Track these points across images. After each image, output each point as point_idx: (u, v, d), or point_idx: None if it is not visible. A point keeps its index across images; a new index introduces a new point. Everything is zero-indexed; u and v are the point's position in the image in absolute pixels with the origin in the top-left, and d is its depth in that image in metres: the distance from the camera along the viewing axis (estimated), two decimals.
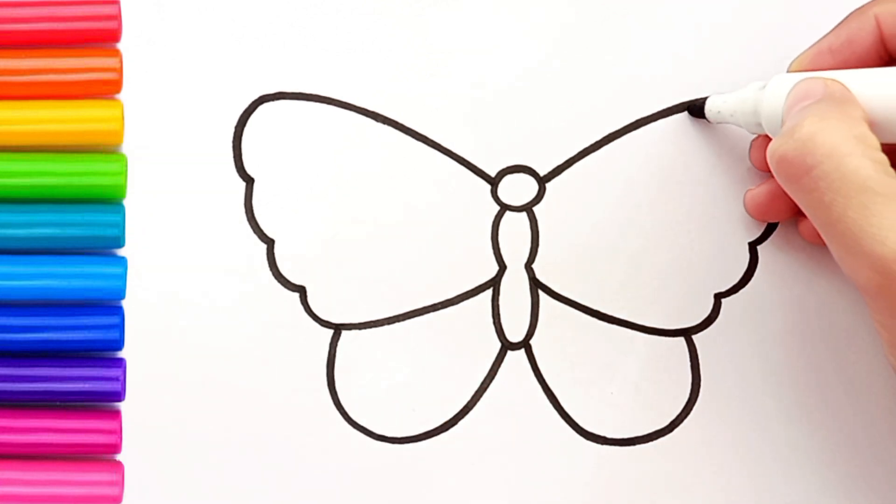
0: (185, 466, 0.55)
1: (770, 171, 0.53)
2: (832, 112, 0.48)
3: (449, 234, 0.56)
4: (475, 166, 0.56)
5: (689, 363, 0.56)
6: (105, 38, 0.55)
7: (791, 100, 0.50)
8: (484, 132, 0.56)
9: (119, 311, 0.55)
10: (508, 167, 0.56)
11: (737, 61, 0.56)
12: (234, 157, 0.56)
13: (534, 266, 0.56)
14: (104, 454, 0.55)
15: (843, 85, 0.50)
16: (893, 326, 0.48)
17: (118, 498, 0.55)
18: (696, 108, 0.55)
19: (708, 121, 0.55)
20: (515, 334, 0.56)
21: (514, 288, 0.56)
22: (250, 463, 0.55)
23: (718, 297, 0.56)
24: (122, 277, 0.55)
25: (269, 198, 0.56)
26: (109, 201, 0.55)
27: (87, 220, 0.54)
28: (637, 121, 0.56)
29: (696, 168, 0.56)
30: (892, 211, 0.47)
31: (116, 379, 0.54)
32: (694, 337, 0.56)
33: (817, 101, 0.49)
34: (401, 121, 0.56)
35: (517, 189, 0.56)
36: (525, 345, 0.56)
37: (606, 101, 0.56)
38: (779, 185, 0.52)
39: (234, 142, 0.56)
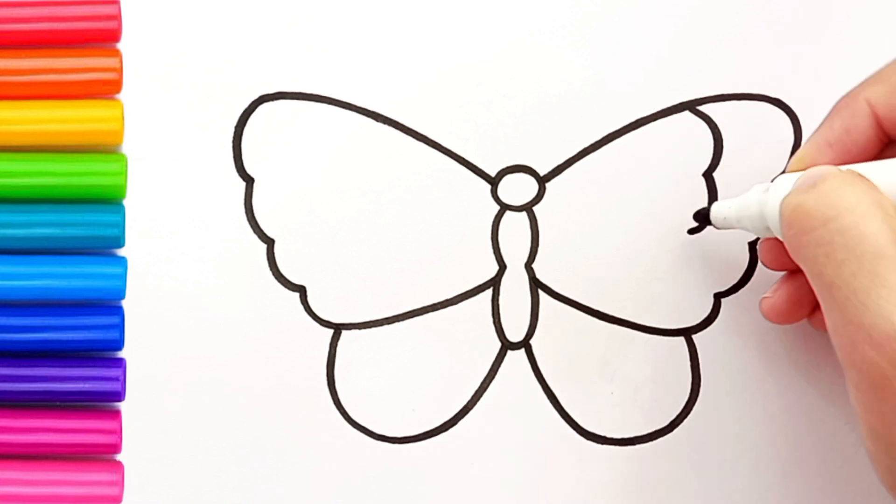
0: (185, 466, 0.55)
1: (784, 271, 0.52)
2: (856, 178, 0.46)
3: (449, 234, 0.56)
4: (475, 166, 0.56)
5: (689, 363, 0.56)
6: (105, 38, 0.55)
7: (804, 177, 0.48)
8: (484, 132, 0.56)
9: (119, 311, 0.55)
10: (508, 167, 0.56)
11: (737, 61, 0.56)
12: (234, 157, 0.56)
13: (534, 266, 0.56)
14: (104, 454, 0.55)
15: (857, 172, 0.48)
16: (874, 409, 0.45)
17: (118, 498, 0.55)
18: (701, 216, 0.54)
19: (715, 228, 0.54)
20: (515, 334, 0.56)
21: (514, 288, 0.56)
22: (250, 463, 0.55)
23: (718, 297, 0.56)
24: (122, 277, 0.54)
25: (269, 198, 0.56)
26: (109, 201, 0.55)
27: (87, 220, 0.54)
28: (637, 121, 0.56)
29: (695, 168, 0.56)
30: None
31: (116, 379, 0.54)
32: (694, 337, 0.56)
33: (838, 169, 0.47)
34: (401, 121, 0.56)
35: (517, 189, 0.56)
36: (525, 345, 0.56)
37: (606, 101, 0.56)
38: (797, 289, 0.51)
39: (233, 142, 0.56)
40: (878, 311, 0.44)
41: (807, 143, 0.51)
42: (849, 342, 0.45)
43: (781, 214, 0.47)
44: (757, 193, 0.51)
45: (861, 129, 0.50)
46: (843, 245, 0.45)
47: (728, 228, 0.54)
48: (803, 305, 0.53)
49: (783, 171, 0.54)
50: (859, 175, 0.47)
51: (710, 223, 0.54)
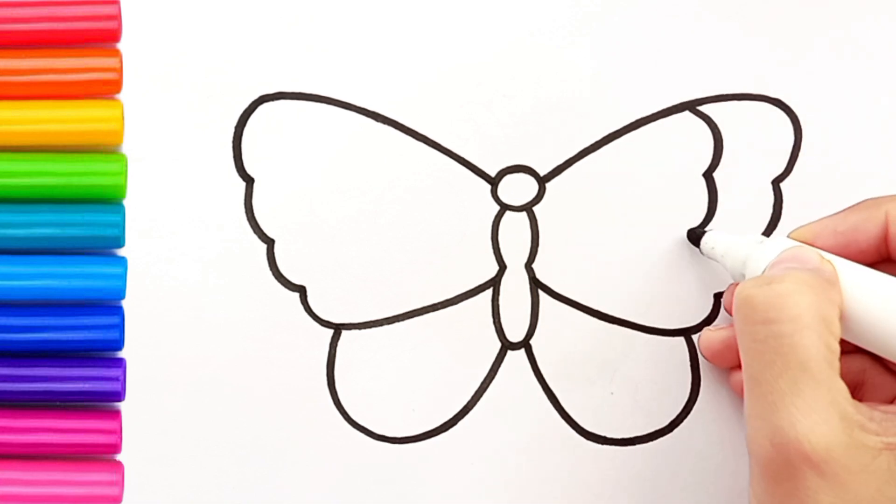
0: (185, 466, 0.55)
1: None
2: (816, 284, 0.48)
3: (449, 234, 0.56)
4: (475, 166, 0.56)
5: (689, 363, 0.56)
6: (105, 38, 0.55)
7: (781, 257, 0.50)
8: (484, 132, 0.56)
9: (119, 311, 0.55)
10: (508, 167, 0.56)
11: (737, 61, 0.56)
12: (234, 156, 0.56)
13: (534, 266, 0.56)
14: (104, 454, 0.55)
15: (834, 269, 0.50)
16: (768, 500, 0.48)
17: (118, 498, 0.55)
18: (693, 236, 0.55)
19: (700, 252, 0.55)
20: (515, 334, 0.56)
21: (514, 288, 0.56)
22: (250, 463, 0.55)
23: (718, 297, 0.56)
24: (122, 277, 0.54)
25: (269, 198, 0.56)
26: (109, 201, 0.55)
27: (87, 220, 0.54)
28: (637, 121, 0.56)
29: (695, 168, 0.56)
30: (815, 399, 0.47)
31: (116, 379, 0.54)
32: (694, 337, 0.56)
33: (805, 270, 0.49)
34: (401, 121, 0.56)
35: (517, 189, 0.56)
36: (525, 345, 0.56)
37: (606, 101, 0.56)
38: (735, 337, 0.52)
39: (233, 142, 0.56)
40: (786, 417, 0.47)
41: (819, 220, 0.53)
42: (755, 432, 0.48)
43: (735, 297, 0.49)
44: (750, 242, 0.52)
45: (869, 234, 0.52)
46: (775, 349, 0.47)
47: (711, 259, 0.54)
48: (735, 357, 0.53)
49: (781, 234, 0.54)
50: (822, 281, 0.48)
51: (697, 245, 0.55)
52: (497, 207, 0.56)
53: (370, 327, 0.56)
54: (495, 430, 0.56)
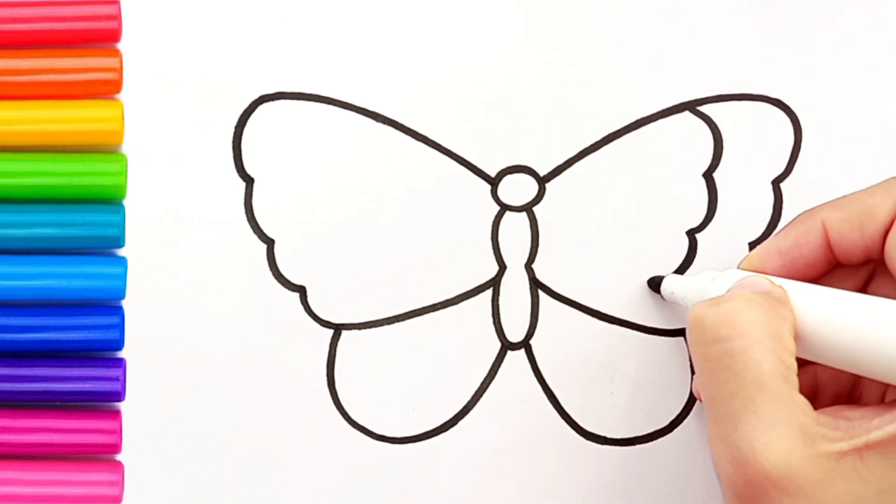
0: (185, 466, 0.55)
1: None
2: (764, 302, 0.48)
3: (449, 234, 0.56)
4: (475, 166, 0.56)
5: (689, 363, 0.56)
6: (105, 38, 0.55)
7: (732, 287, 0.51)
8: (484, 132, 0.56)
9: (119, 311, 0.55)
10: (508, 167, 0.56)
11: (737, 61, 0.56)
12: (234, 157, 0.56)
13: (534, 266, 0.56)
14: (104, 454, 0.55)
15: (784, 291, 0.49)
16: None
17: (118, 498, 0.55)
18: (654, 284, 0.56)
19: (662, 298, 0.55)
20: (515, 334, 0.56)
21: (514, 288, 0.56)
22: (250, 463, 0.55)
23: None
24: (122, 277, 0.54)
25: (269, 198, 0.56)
26: (109, 201, 0.55)
27: (87, 220, 0.54)
28: (637, 121, 0.56)
29: (695, 168, 0.56)
30: (772, 415, 0.46)
31: (116, 379, 0.54)
32: None
33: (755, 292, 0.49)
34: (401, 121, 0.56)
35: (517, 189, 0.56)
36: (525, 345, 0.56)
37: (606, 101, 0.56)
38: None
39: (233, 142, 0.56)
40: (743, 436, 0.47)
41: (760, 246, 0.53)
42: (717, 454, 0.48)
43: (688, 320, 0.49)
44: (704, 281, 0.52)
45: (811, 246, 0.52)
46: (728, 367, 0.47)
47: (673, 302, 0.55)
48: None
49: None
50: (771, 300, 0.49)
51: (659, 291, 0.55)
52: (497, 207, 0.56)
53: (370, 327, 0.56)
54: (495, 430, 0.56)
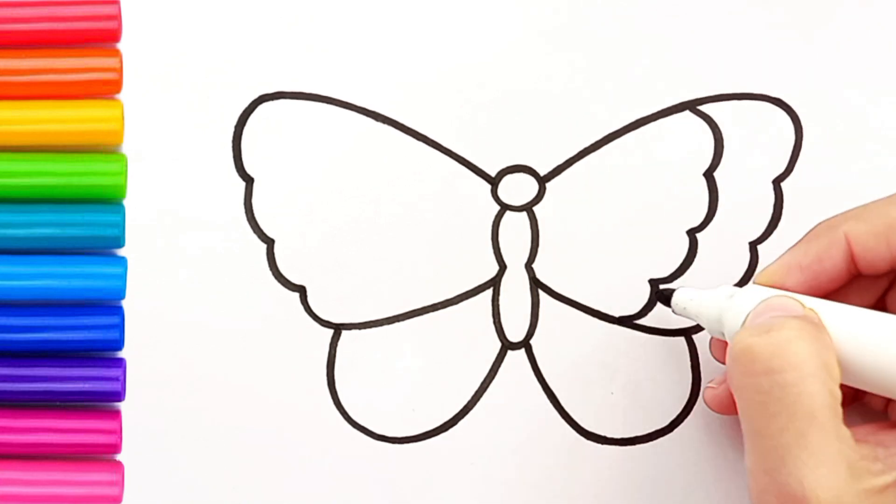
0: (185, 466, 0.55)
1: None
2: (810, 330, 0.47)
3: (449, 234, 0.56)
4: (475, 166, 0.56)
5: (689, 363, 0.56)
6: (105, 38, 0.55)
7: (763, 307, 0.49)
8: (484, 132, 0.56)
9: (119, 311, 0.55)
10: (508, 167, 0.56)
11: (737, 61, 0.56)
12: (234, 156, 0.56)
13: (534, 266, 0.56)
14: (104, 454, 0.55)
15: (818, 315, 0.49)
16: None
17: (118, 498, 0.55)
18: (663, 297, 0.54)
19: (672, 312, 0.54)
20: (515, 334, 0.56)
21: (514, 288, 0.56)
22: (250, 463, 0.55)
23: None
24: (122, 277, 0.55)
25: (269, 198, 0.56)
26: (109, 201, 0.55)
27: (87, 220, 0.54)
28: (637, 121, 0.56)
29: (695, 168, 0.56)
30: (822, 451, 0.46)
31: (116, 379, 0.54)
32: (694, 337, 0.56)
33: (796, 317, 0.48)
34: (401, 120, 0.56)
35: (517, 189, 0.56)
36: (525, 345, 0.56)
37: (606, 101, 0.56)
38: None
39: (233, 142, 0.56)
40: (793, 472, 0.46)
41: (779, 259, 0.52)
42: (760, 488, 0.47)
43: (731, 349, 0.48)
44: (720, 298, 0.52)
45: (834, 260, 0.51)
46: (779, 399, 0.46)
47: (684, 317, 0.54)
48: None
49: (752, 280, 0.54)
50: (815, 327, 0.48)
51: (668, 304, 0.54)
52: (497, 207, 0.56)
53: (370, 327, 0.56)
54: (495, 430, 0.56)
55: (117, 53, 0.54)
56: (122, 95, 0.55)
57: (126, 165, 0.55)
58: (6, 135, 0.54)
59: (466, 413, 0.56)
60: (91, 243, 0.55)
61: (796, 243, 0.52)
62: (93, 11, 0.54)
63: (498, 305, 0.56)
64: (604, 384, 0.56)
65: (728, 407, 0.54)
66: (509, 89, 0.56)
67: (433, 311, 0.56)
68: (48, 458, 0.55)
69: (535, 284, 0.56)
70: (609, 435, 0.56)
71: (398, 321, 0.56)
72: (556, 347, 0.56)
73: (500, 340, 0.56)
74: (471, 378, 0.56)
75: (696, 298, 0.53)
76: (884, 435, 0.49)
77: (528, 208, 0.56)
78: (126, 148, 0.55)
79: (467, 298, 0.56)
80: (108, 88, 0.55)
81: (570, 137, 0.56)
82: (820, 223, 0.52)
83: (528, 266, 0.56)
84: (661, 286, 0.55)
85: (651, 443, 0.56)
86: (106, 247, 0.55)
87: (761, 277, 0.52)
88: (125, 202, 0.55)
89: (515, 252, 0.56)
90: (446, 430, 0.56)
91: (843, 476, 0.46)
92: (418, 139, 0.56)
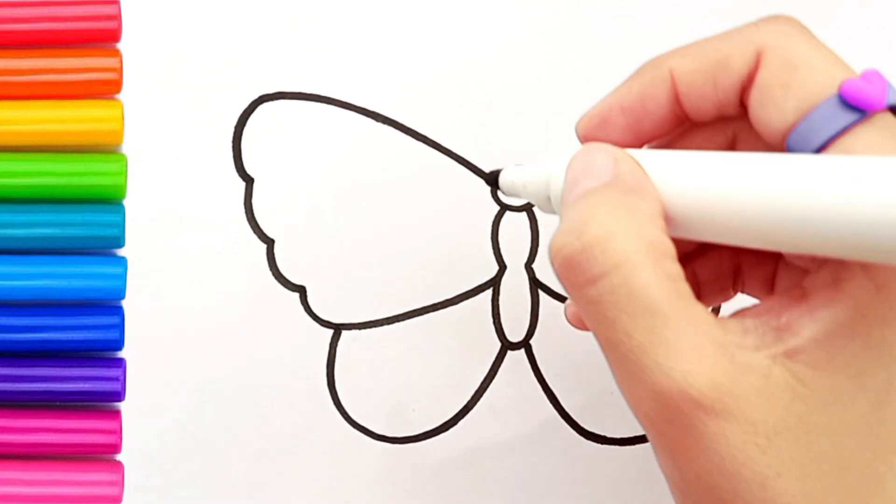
0: (185, 466, 0.55)
1: None
2: (623, 207, 0.42)
3: (449, 234, 0.56)
4: (475, 166, 0.56)
5: None
6: (105, 38, 0.55)
7: (572, 174, 0.44)
8: (484, 132, 0.56)
9: (119, 311, 0.55)
10: None
11: None
12: (234, 156, 0.56)
13: (534, 266, 0.56)
14: (104, 454, 0.55)
15: (635, 163, 0.43)
16: (674, 466, 0.43)
17: (118, 498, 0.55)
18: (491, 179, 0.49)
19: (503, 193, 0.49)
20: (515, 334, 0.56)
21: (514, 288, 0.56)
22: (250, 463, 0.55)
23: None
24: (122, 277, 0.55)
25: (269, 198, 0.56)
26: (109, 201, 0.55)
27: (87, 220, 0.54)
28: None
29: None
30: (680, 338, 0.41)
31: (116, 379, 0.54)
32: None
33: (605, 188, 0.43)
34: (401, 121, 0.56)
35: None
36: (525, 345, 0.56)
37: None
38: None
39: (233, 142, 0.56)
40: (657, 369, 0.41)
41: (601, 102, 0.46)
42: (633, 397, 0.42)
43: (551, 261, 0.42)
44: (547, 166, 0.46)
45: (658, 100, 0.45)
46: (614, 304, 0.41)
47: (515, 196, 0.48)
48: None
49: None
50: (628, 195, 0.42)
51: (498, 186, 0.48)
52: (497, 207, 0.56)
53: (370, 327, 0.56)
54: (495, 430, 0.56)
55: (117, 53, 0.54)
56: (122, 95, 0.55)
57: (126, 165, 0.55)
58: (6, 135, 0.54)
59: (466, 413, 0.56)
60: (91, 243, 0.55)
61: (621, 83, 0.46)
62: (93, 11, 0.54)
63: (498, 305, 0.56)
64: (604, 384, 0.56)
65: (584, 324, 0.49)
66: (509, 89, 0.56)
67: (433, 311, 0.56)
68: (48, 458, 0.55)
69: (535, 284, 0.56)
70: (609, 435, 0.56)
71: (398, 321, 0.56)
72: (556, 347, 0.56)
73: (500, 340, 0.56)
74: (471, 378, 0.56)
75: (526, 170, 0.47)
76: (749, 307, 0.43)
77: (527, 208, 0.56)
78: (126, 148, 0.55)
79: (467, 298, 0.56)
80: (108, 88, 0.55)
81: (571, 137, 0.56)
82: (647, 61, 0.46)
83: (528, 266, 0.56)
84: (491, 169, 0.49)
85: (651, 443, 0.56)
86: (106, 247, 0.55)
87: (580, 124, 0.46)
88: (125, 202, 0.55)
89: (515, 252, 0.56)
90: (446, 430, 0.56)
91: (711, 357, 0.41)
92: (418, 139, 0.56)
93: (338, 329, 0.56)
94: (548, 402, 0.56)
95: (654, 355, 0.41)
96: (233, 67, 0.56)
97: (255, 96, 0.56)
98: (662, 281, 0.41)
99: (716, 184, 0.42)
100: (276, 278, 0.56)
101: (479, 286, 0.56)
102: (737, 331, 0.42)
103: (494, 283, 0.56)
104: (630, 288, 0.41)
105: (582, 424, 0.56)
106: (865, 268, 0.41)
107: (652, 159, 0.43)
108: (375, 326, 0.56)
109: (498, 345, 0.56)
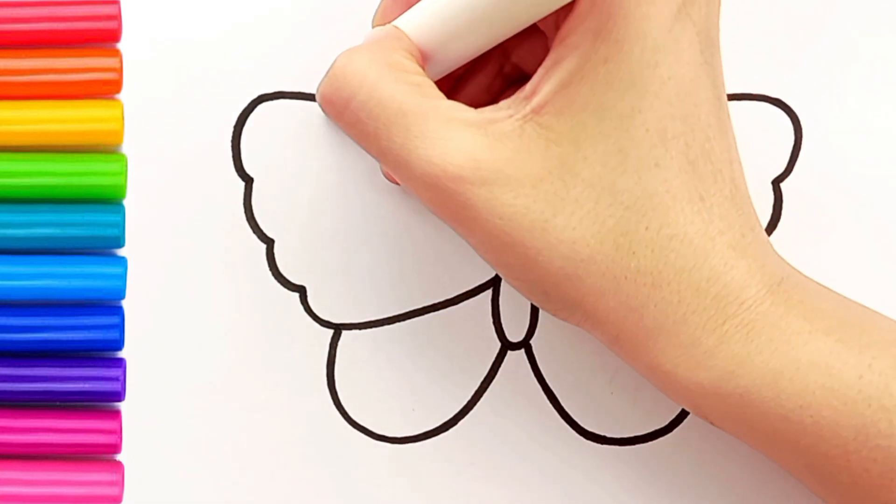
0: (185, 466, 0.55)
1: None
2: (363, 46, 0.49)
3: (449, 233, 0.56)
4: None
5: None
6: (105, 38, 0.55)
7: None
8: None
9: (119, 311, 0.55)
10: None
11: (737, 61, 0.56)
12: (234, 156, 0.56)
13: None
14: (104, 454, 0.55)
15: (390, 27, 0.50)
16: (478, 246, 0.49)
17: (118, 498, 0.55)
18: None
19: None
20: (515, 334, 0.56)
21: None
22: (250, 463, 0.55)
23: None
24: (122, 277, 0.55)
25: (269, 198, 0.56)
26: (109, 201, 0.55)
27: (87, 220, 0.54)
28: None
29: None
30: (433, 129, 0.47)
31: (116, 379, 0.54)
32: None
33: (346, 52, 0.49)
34: None
35: None
36: (525, 345, 0.56)
37: None
38: None
39: (233, 141, 0.56)
40: (420, 161, 0.47)
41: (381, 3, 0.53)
42: (417, 192, 0.48)
43: (319, 105, 0.50)
44: None
45: None
46: (368, 118, 0.48)
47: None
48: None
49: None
50: (375, 40, 0.49)
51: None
52: None
53: (370, 327, 0.56)
54: (495, 430, 0.56)
55: (117, 53, 0.54)
56: (122, 95, 0.55)
57: (126, 165, 0.55)
58: (6, 135, 0.54)
59: (466, 413, 0.56)
60: (91, 243, 0.55)
61: None
62: (93, 11, 0.54)
63: (498, 305, 0.56)
64: (604, 384, 0.56)
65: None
66: None
67: (433, 311, 0.56)
68: (48, 458, 0.55)
69: None
70: (609, 435, 0.56)
71: (398, 321, 0.56)
72: (556, 347, 0.56)
73: (500, 340, 0.56)
74: (471, 378, 0.56)
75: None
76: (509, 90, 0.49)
77: None
78: (126, 148, 0.55)
79: (467, 298, 0.56)
80: (108, 88, 0.55)
81: None
82: None
83: None
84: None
85: (651, 443, 0.56)
86: (106, 247, 0.55)
87: (376, 19, 0.53)
88: (125, 202, 0.55)
89: None
90: (446, 430, 0.56)
91: (466, 137, 0.47)
92: None
93: (338, 329, 0.56)
94: (548, 402, 0.56)
95: (416, 149, 0.47)
96: (232, 67, 0.56)
97: (255, 96, 0.56)
98: (406, 87, 0.47)
99: (443, 10, 0.48)
100: (275, 278, 0.56)
101: (479, 286, 0.56)
102: (491, 111, 0.48)
103: (494, 283, 0.56)
104: (377, 99, 0.47)
105: (582, 424, 0.56)
106: (582, 20, 0.47)
107: (403, 17, 0.50)
108: (375, 326, 0.56)
109: (498, 345, 0.56)
